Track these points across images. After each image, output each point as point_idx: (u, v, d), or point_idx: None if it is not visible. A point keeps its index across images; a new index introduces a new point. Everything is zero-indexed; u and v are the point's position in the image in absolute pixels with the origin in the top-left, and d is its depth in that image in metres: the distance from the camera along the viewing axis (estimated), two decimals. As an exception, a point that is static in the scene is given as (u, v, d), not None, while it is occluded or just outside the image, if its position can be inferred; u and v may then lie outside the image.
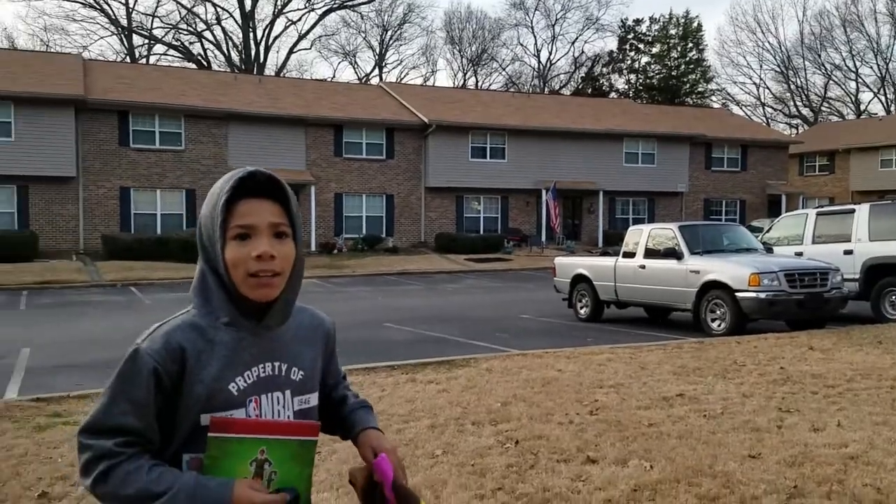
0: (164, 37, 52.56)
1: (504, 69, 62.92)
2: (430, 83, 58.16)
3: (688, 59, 60.29)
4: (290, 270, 1.44)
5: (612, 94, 57.87)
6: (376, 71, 58.25)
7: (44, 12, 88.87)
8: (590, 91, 58.19)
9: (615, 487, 3.91)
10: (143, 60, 50.19)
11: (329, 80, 49.83)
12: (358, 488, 1.54)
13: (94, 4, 49.63)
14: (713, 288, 10.57)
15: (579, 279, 13.06)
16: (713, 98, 62.39)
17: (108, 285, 20.97)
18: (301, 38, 54.61)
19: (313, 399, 1.53)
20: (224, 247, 1.39)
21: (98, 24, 57.55)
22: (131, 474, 1.32)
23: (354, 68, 75.43)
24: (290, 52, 55.45)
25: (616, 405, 5.78)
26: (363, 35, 71.91)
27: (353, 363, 7.98)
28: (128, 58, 49.92)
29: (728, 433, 4.92)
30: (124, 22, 50.36)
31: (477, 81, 61.34)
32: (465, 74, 62.09)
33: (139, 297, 17.76)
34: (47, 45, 50.13)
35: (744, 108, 63.25)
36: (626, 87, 61.00)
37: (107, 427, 1.35)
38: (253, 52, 50.12)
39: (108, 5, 50.39)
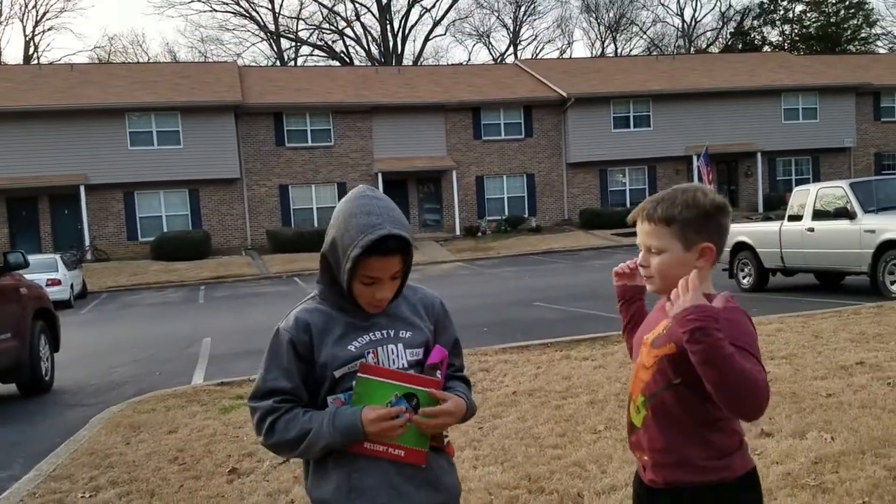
0: (309, 38, 55.08)
1: (645, 33, 60.41)
2: (566, 56, 57.05)
3: (847, 2, 54.95)
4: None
5: (766, 48, 54.00)
6: (511, 49, 57.91)
7: (200, 25, 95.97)
8: (740, 47, 54.65)
9: (794, 461, 3.70)
10: (292, 63, 52.86)
11: (464, 63, 50.16)
12: None
13: (244, 13, 52.86)
14: (891, 248, 9.75)
15: (740, 247, 12.43)
16: (878, 43, 56.55)
17: (274, 277, 22.45)
18: (436, 24, 55.26)
19: (423, 353, 1.77)
20: (352, 280, 1.66)
21: (249, 31, 61.28)
22: (290, 421, 1.67)
23: (489, 49, 75.33)
24: (426, 39, 56.42)
25: (790, 376, 5.46)
26: (496, 14, 71.74)
27: (507, 342, 8.04)
28: (278, 61, 52.76)
29: (920, 404, 4.52)
30: (272, 27, 53.25)
31: (616, 49, 59.32)
32: (603, 43, 60.26)
33: (302, 287, 18.83)
34: (205, 56, 53.97)
35: (918, 49, 56.99)
36: (781, 39, 56.64)
37: (266, 390, 1.71)
38: (391, 44, 51.39)
39: (257, 12, 53.52)
